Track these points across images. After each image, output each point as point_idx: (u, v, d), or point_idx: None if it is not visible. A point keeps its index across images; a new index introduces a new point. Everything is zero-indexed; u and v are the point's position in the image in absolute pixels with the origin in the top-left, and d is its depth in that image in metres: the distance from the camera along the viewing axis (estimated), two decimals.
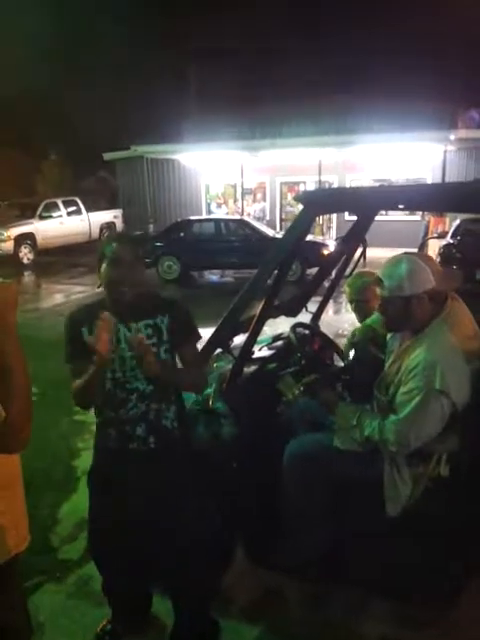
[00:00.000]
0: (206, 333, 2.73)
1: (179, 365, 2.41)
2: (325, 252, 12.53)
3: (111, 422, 2.35)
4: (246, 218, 14.78)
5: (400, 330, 2.57)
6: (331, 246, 12.97)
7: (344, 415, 2.54)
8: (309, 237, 14.20)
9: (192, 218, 15.72)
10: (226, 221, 14.67)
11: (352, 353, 3.35)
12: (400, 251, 2.53)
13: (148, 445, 2.34)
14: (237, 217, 15.16)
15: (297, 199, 2.81)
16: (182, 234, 14.30)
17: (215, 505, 2.76)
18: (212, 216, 17.27)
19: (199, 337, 2.43)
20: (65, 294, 12.19)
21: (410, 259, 2.39)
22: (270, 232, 14.14)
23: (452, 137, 16.31)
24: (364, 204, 2.85)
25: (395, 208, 2.63)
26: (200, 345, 2.51)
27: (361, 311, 3.48)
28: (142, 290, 2.28)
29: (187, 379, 2.41)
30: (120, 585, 2.65)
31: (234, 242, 13.66)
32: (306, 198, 2.72)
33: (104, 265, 2.22)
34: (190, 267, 13.91)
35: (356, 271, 3.60)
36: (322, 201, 2.74)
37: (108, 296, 2.27)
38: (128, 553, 2.51)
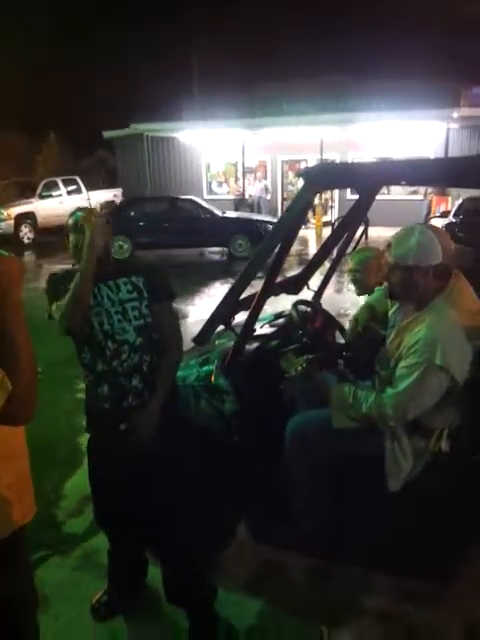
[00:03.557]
0: None
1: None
2: None
3: (104, 376, 2.37)
4: (197, 200, 14.91)
5: (401, 299, 2.56)
6: None
7: (338, 395, 2.54)
8: (261, 217, 14.86)
9: (143, 197, 16.06)
10: (176, 200, 14.86)
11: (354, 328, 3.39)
12: None
13: (143, 399, 2.37)
14: (187, 197, 15.37)
15: (298, 175, 2.78)
16: (133, 213, 14.37)
17: (216, 480, 2.79)
18: (162, 195, 17.38)
19: (174, 296, 2.50)
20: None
21: (423, 231, 2.36)
22: (217, 211, 14.37)
23: (455, 115, 16.17)
24: (366, 179, 2.82)
25: (398, 183, 2.61)
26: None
27: (360, 283, 3.55)
28: (107, 253, 2.34)
29: (168, 376, 2.45)
30: (121, 546, 2.72)
31: (185, 221, 13.79)
32: (307, 174, 2.70)
33: (71, 235, 2.33)
34: (141, 246, 13.86)
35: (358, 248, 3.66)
36: (323, 177, 2.71)
37: (76, 261, 2.33)
38: (126, 512, 2.55)
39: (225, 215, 14.39)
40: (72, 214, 2.38)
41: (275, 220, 14.31)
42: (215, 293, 10.06)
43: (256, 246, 13.11)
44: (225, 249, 13.99)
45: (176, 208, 14.25)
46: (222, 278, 11.27)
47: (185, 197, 15.26)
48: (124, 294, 2.36)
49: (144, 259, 2.51)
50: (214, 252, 14.52)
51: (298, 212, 2.63)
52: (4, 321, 1.44)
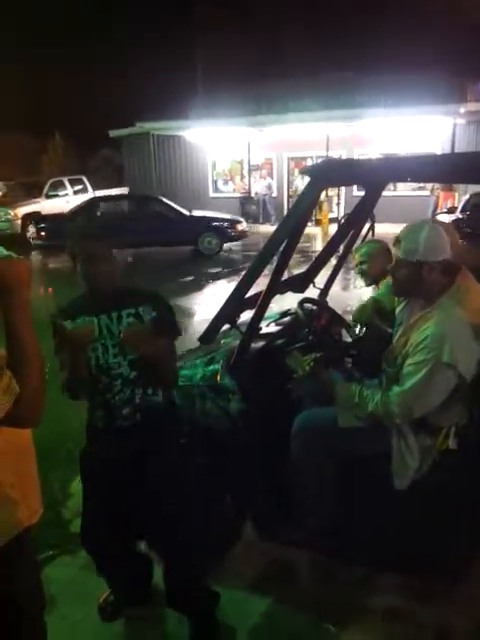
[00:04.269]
0: None
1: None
2: (239, 228, 14.10)
3: (99, 405, 2.40)
4: (165, 200, 14.82)
5: (407, 296, 2.54)
6: (244, 223, 14.57)
7: (344, 394, 2.53)
8: (227, 216, 15.02)
9: (105, 195, 16.24)
10: (140, 198, 15.03)
11: (358, 329, 3.38)
12: None
13: (134, 419, 2.38)
14: (151, 195, 15.45)
15: (303, 172, 2.76)
16: (98, 213, 14.42)
17: (220, 480, 2.78)
18: (125, 193, 17.47)
19: (179, 333, 2.46)
20: (71, 274, 12.14)
21: (432, 226, 2.35)
22: (184, 210, 14.49)
23: (461, 110, 16.08)
24: (372, 176, 2.80)
25: (404, 179, 2.59)
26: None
27: (367, 274, 3.57)
28: (118, 281, 2.35)
29: (170, 368, 2.44)
30: (114, 564, 2.67)
31: (149, 219, 13.83)
32: (312, 171, 2.68)
33: (79, 263, 2.29)
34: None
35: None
36: (329, 174, 2.69)
37: (88, 290, 2.35)
38: (122, 529, 2.54)
39: (192, 214, 14.54)
40: (77, 241, 2.32)
41: (240, 218, 15.11)
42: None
43: (224, 243, 13.68)
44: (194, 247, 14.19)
45: (143, 207, 14.34)
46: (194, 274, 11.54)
47: (149, 195, 15.38)
48: (125, 326, 2.31)
49: (152, 290, 2.51)
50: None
51: (304, 209, 2.61)
52: (13, 322, 1.44)
